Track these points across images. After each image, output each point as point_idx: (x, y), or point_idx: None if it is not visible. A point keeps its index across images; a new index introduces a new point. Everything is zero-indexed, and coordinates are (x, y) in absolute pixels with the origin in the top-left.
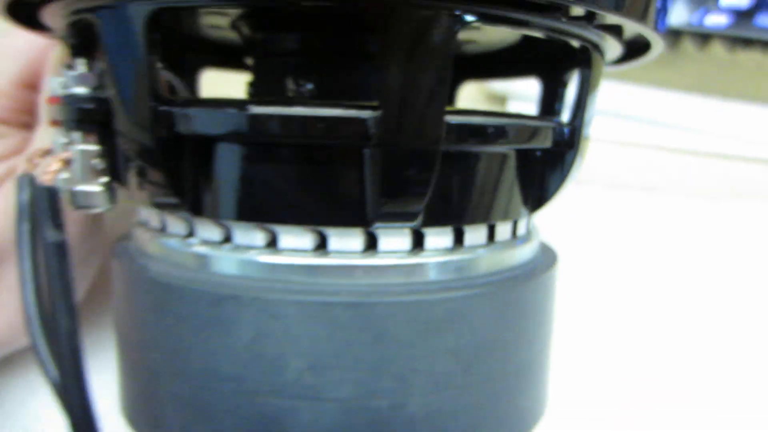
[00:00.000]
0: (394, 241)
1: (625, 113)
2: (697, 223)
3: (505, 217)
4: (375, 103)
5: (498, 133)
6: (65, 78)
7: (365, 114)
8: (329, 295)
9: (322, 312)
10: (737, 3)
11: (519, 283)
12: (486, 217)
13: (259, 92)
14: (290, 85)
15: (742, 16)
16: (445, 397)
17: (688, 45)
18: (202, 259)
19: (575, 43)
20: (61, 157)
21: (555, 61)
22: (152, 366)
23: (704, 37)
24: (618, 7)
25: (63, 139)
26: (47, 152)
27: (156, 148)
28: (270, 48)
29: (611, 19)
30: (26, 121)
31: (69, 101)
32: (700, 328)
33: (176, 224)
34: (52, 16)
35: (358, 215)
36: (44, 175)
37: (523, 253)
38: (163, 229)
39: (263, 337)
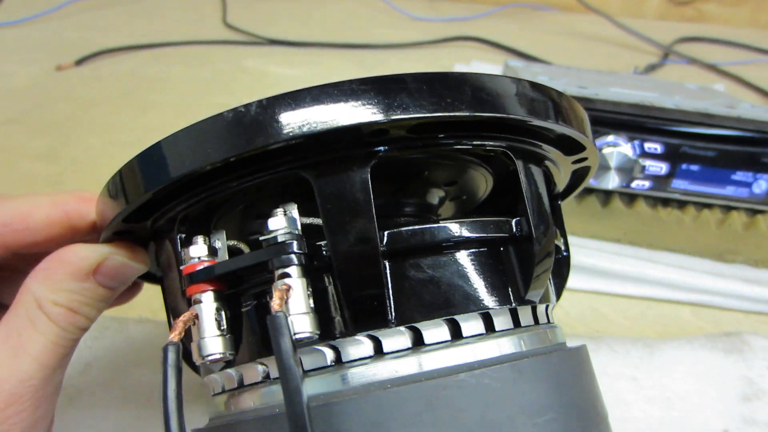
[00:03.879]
0: (527, 317)
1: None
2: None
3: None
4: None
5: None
6: (277, 222)
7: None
8: (529, 356)
9: (538, 367)
10: (657, 170)
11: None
12: (555, 300)
13: None
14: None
15: (661, 179)
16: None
17: (617, 203)
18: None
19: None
20: (282, 287)
21: None
22: None
23: (631, 197)
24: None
25: (213, 304)
26: (192, 318)
27: (379, 270)
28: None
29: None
30: None
31: (281, 243)
32: None
33: (359, 347)
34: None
35: (514, 298)
36: (273, 303)
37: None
38: (340, 360)
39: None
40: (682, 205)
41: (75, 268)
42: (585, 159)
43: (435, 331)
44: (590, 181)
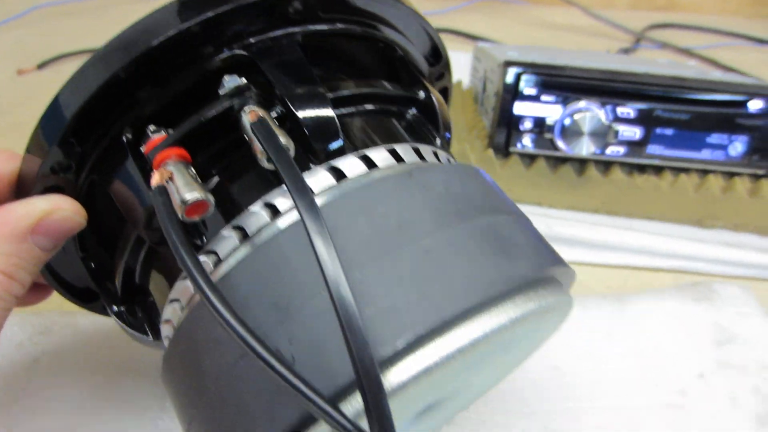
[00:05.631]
0: (443, 157)
1: (547, 235)
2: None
3: None
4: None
5: None
6: (231, 78)
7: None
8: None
9: (470, 169)
10: (631, 135)
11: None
12: None
13: None
14: None
15: (636, 145)
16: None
17: (593, 171)
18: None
19: None
20: (254, 111)
21: None
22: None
23: (606, 164)
24: None
25: (183, 162)
26: (168, 176)
27: (330, 112)
28: None
29: None
30: None
31: (239, 87)
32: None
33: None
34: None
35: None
36: (251, 117)
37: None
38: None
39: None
40: (658, 171)
41: (12, 228)
42: (443, 75)
43: (382, 155)
44: (565, 149)
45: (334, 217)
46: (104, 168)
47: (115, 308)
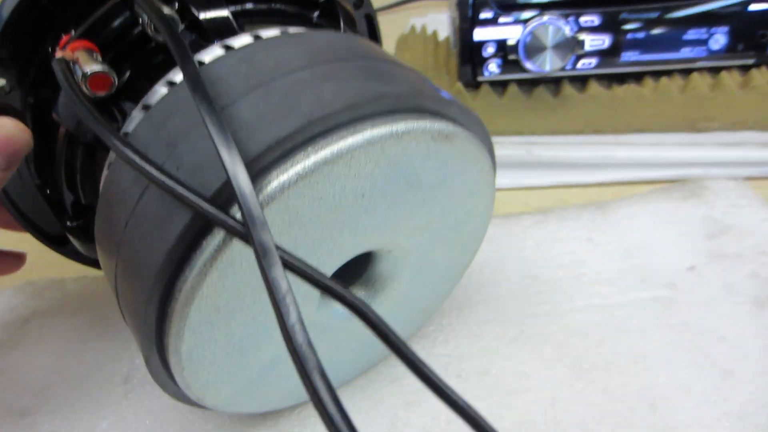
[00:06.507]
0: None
1: (529, 160)
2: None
3: None
4: None
5: None
6: None
7: None
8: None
9: (286, 38)
10: (599, 44)
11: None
12: None
13: None
14: None
15: (608, 54)
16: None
17: (569, 90)
18: None
19: None
20: None
21: None
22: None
23: (581, 80)
24: None
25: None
26: (73, 59)
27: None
28: None
29: None
30: None
31: None
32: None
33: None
34: None
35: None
36: None
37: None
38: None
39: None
40: (638, 78)
41: None
42: (362, 2)
43: (273, 32)
44: (532, 68)
45: (218, 68)
46: (41, 85)
47: (69, 224)
